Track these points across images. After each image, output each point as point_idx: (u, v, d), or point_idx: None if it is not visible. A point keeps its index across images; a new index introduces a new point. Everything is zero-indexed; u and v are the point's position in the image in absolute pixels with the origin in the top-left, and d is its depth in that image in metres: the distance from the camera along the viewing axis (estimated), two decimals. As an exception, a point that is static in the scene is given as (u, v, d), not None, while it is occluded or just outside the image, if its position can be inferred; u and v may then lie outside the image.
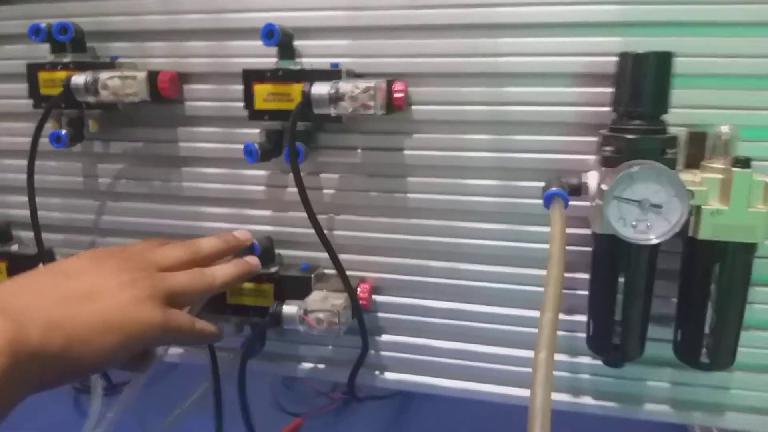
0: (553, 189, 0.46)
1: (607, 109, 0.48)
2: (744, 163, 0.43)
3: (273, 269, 0.59)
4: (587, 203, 0.47)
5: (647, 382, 0.54)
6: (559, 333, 0.54)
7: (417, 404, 0.88)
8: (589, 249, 0.50)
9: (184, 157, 0.61)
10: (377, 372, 0.62)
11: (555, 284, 0.37)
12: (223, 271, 0.48)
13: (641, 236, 0.42)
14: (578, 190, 0.47)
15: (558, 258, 0.38)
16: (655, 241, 0.42)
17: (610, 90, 0.47)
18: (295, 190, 0.52)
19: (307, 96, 0.49)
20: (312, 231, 0.56)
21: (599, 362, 0.54)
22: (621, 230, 0.42)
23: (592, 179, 0.46)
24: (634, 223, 0.42)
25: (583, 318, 0.53)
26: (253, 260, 0.53)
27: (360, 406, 0.88)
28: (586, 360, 0.55)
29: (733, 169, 0.43)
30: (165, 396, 0.88)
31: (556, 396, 0.57)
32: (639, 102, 0.44)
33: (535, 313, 0.55)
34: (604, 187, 0.43)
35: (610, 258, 0.47)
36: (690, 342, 0.48)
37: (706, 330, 0.47)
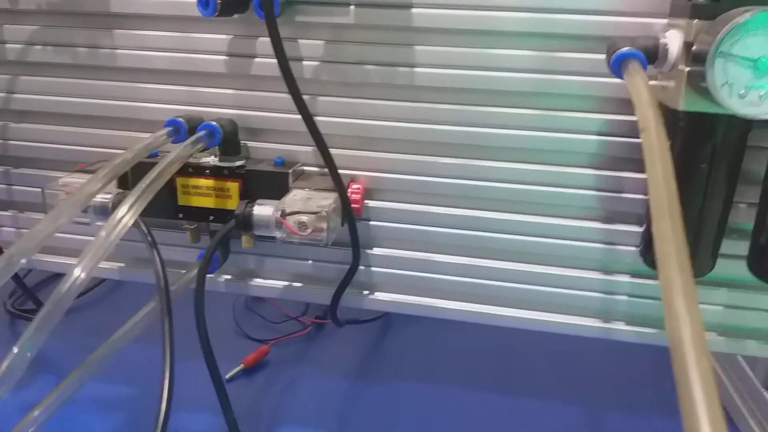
0: (626, 49, 0.34)
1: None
2: None
3: (238, 162, 0.46)
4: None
5: (700, 305, 0.45)
6: (595, 245, 0.46)
7: (399, 328, 0.79)
8: (637, 140, 0.41)
9: (118, 14, 0.47)
10: (366, 292, 0.52)
11: (666, 183, 0.25)
12: None
13: (754, 109, 0.31)
14: (652, 55, 0.35)
15: (658, 145, 0.27)
16: (773, 115, 0.31)
17: None
18: (266, 60, 0.40)
19: None
20: (288, 116, 0.46)
21: (639, 281, 0.46)
22: (726, 100, 0.31)
23: (673, 39, 0.35)
24: (742, 91, 0.31)
25: (626, 228, 0.45)
26: None
27: (334, 332, 0.78)
28: (623, 278, 0.46)
29: None
30: (105, 319, 0.76)
31: (583, 321, 0.48)
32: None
33: (568, 223, 0.46)
34: (698, 46, 0.32)
35: (689, 146, 0.36)
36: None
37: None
